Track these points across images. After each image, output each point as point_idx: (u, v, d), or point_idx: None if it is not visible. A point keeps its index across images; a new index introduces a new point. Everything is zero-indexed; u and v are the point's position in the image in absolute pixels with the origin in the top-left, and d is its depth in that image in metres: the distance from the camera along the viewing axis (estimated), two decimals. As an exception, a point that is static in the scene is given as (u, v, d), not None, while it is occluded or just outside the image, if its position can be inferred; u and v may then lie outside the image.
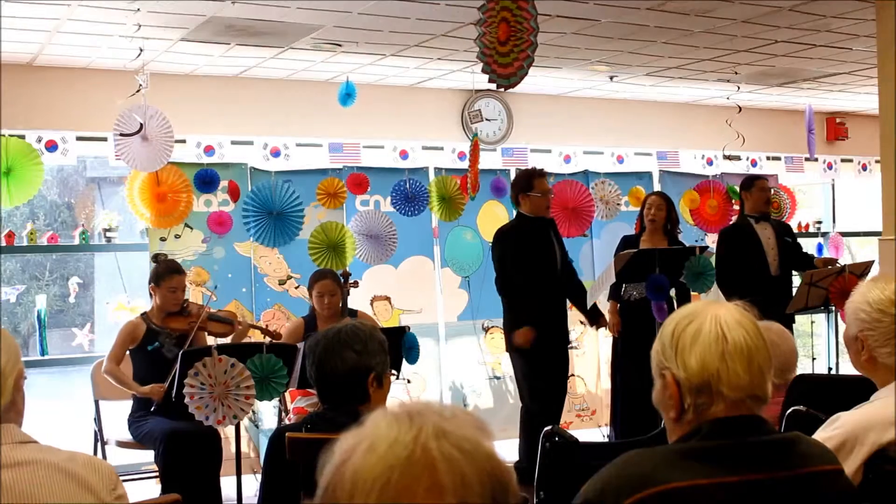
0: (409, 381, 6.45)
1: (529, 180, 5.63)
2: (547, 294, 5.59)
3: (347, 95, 6.09)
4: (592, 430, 6.90)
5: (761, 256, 6.18)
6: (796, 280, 6.42)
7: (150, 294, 5.06)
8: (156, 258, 5.26)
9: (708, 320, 1.67)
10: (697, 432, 1.65)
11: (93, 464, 1.91)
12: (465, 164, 6.99)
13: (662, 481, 1.56)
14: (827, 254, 8.30)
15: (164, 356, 4.89)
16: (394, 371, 2.87)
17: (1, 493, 1.78)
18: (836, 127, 9.12)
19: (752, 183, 6.39)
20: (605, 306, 6.27)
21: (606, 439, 6.41)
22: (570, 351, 6.06)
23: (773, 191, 6.67)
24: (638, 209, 6.48)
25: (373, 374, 2.64)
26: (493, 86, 4.70)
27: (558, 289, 5.73)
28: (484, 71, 4.44)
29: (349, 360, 2.62)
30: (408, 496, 0.93)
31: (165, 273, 5.02)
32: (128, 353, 5.02)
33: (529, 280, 5.54)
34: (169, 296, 4.98)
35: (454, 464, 0.94)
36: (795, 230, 8.30)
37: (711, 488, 1.57)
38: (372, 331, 2.73)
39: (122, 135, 5.32)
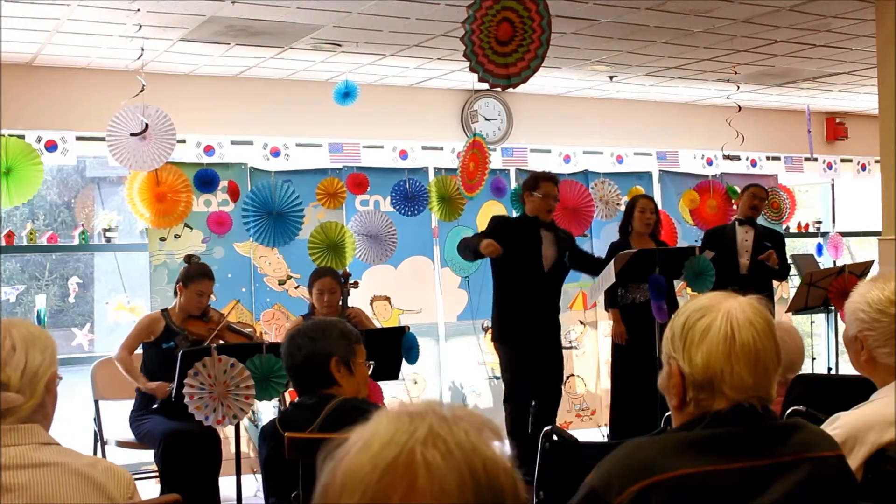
0: (416, 383, 6.46)
1: (536, 181, 5.58)
2: (530, 293, 5.47)
3: (346, 95, 6.07)
4: (592, 430, 6.90)
5: (733, 256, 6.36)
6: (795, 281, 6.44)
7: (176, 293, 5.05)
8: (188, 259, 5.22)
9: (719, 317, 1.67)
10: (701, 420, 1.66)
11: (112, 471, 1.94)
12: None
13: (668, 469, 1.58)
14: (827, 253, 8.33)
15: (177, 357, 4.87)
16: (371, 362, 2.98)
17: (20, 492, 1.79)
18: (835, 127, 9.13)
19: (747, 188, 6.57)
20: (604, 315, 6.24)
21: (606, 439, 6.41)
22: (564, 352, 5.89)
23: (764, 196, 6.66)
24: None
25: (335, 359, 2.76)
26: (492, 85, 4.68)
27: (545, 290, 5.56)
28: (472, 69, 4.41)
29: (305, 347, 2.79)
30: (384, 498, 0.92)
31: (196, 276, 5.01)
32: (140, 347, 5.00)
33: (505, 274, 5.51)
34: (195, 298, 4.97)
35: (434, 471, 0.93)
36: (795, 230, 8.32)
37: (717, 475, 1.59)
38: (334, 321, 2.89)
39: (131, 134, 5.30)
